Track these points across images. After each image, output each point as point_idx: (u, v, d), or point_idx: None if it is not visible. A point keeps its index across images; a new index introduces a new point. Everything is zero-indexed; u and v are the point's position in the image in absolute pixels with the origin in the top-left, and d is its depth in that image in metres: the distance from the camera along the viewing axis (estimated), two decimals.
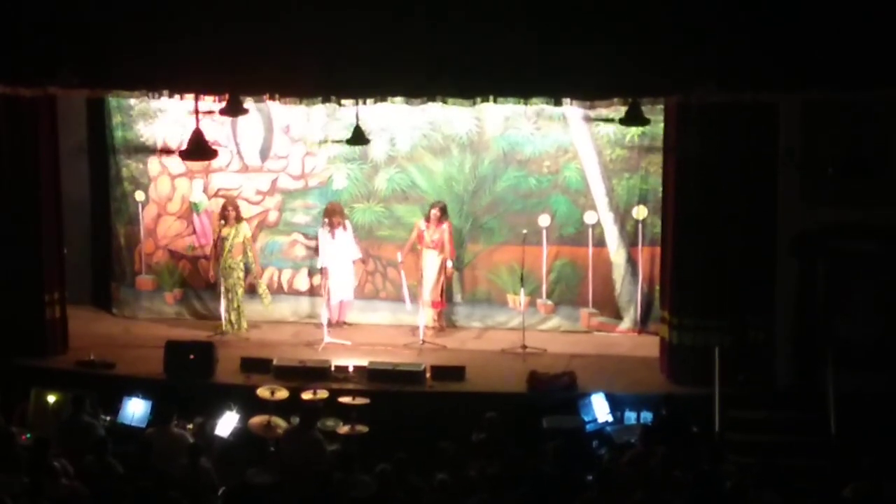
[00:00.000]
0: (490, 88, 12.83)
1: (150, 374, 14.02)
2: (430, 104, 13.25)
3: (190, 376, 13.90)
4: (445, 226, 15.39)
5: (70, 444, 11.57)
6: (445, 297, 15.71)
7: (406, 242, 15.65)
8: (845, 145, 12.18)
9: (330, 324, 15.42)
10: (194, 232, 16.37)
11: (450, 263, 15.52)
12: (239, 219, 15.52)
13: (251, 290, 15.80)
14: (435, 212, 15.38)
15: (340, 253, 15.60)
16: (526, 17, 12.31)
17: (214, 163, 15.73)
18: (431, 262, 15.46)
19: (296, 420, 12.46)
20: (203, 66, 12.59)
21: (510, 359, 14.83)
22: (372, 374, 13.93)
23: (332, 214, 15.55)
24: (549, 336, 15.58)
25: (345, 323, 15.89)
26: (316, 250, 15.96)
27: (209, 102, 13.82)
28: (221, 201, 15.81)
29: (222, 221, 15.46)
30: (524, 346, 14.96)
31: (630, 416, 13.34)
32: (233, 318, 15.49)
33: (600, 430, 13.08)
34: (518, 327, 15.25)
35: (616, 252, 15.73)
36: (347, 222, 15.67)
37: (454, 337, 15.65)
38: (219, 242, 15.49)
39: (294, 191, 16.22)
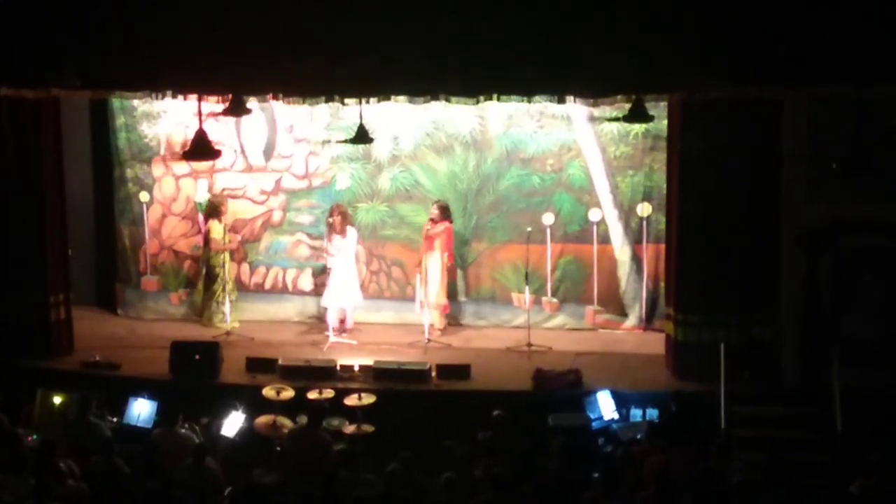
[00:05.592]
0: (493, 86, 12.83)
1: (156, 375, 14.01)
2: (434, 103, 13.26)
3: (195, 377, 13.89)
4: (445, 225, 15.33)
5: (76, 445, 11.57)
6: (449, 297, 15.62)
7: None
8: (850, 141, 12.12)
9: (332, 328, 15.38)
10: (199, 232, 16.37)
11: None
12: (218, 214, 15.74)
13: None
14: (434, 210, 15.34)
15: (339, 256, 15.46)
16: (529, 15, 12.30)
17: (219, 163, 15.77)
18: (433, 262, 15.41)
19: (302, 420, 12.46)
20: (206, 66, 12.59)
21: (516, 357, 14.82)
22: (377, 374, 13.91)
23: (332, 215, 15.49)
24: (554, 334, 15.58)
25: (345, 330, 15.61)
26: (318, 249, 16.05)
27: (212, 103, 13.81)
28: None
29: (212, 219, 15.66)
30: (529, 345, 14.95)
31: (636, 414, 13.32)
32: (212, 309, 15.71)
33: (606, 427, 13.07)
34: (523, 325, 15.23)
35: (621, 249, 15.73)
36: (350, 227, 15.50)
37: (459, 335, 15.64)
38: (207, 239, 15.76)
39: (298, 190, 16.23)
